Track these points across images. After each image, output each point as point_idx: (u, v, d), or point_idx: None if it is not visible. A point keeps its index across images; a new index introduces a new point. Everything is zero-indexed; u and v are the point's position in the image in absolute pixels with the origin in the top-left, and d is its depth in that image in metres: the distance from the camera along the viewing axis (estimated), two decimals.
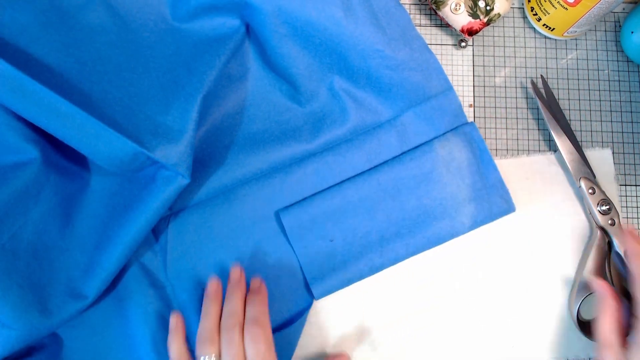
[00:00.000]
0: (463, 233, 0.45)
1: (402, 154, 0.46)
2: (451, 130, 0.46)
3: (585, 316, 0.44)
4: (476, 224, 0.45)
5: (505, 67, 0.50)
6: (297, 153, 0.46)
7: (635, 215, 0.47)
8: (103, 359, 0.42)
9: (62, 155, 0.43)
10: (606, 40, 0.50)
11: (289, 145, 0.46)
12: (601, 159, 0.48)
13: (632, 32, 0.47)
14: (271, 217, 0.45)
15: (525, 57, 0.50)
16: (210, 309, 0.39)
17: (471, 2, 0.46)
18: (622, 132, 0.49)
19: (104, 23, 0.44)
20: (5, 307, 0.37)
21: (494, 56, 0.50)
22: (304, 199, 0.45)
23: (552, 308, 0.45)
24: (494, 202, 0.45)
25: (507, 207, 0.45)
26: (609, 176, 0.47)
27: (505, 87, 0.49)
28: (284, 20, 0.44)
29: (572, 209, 0.47)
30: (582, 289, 0.44)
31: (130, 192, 0.43)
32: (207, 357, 0.36)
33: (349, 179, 0.45)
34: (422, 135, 0.46)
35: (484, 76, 0.49)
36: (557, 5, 0.46)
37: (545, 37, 0.50)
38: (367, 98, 0.47)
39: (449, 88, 0.47)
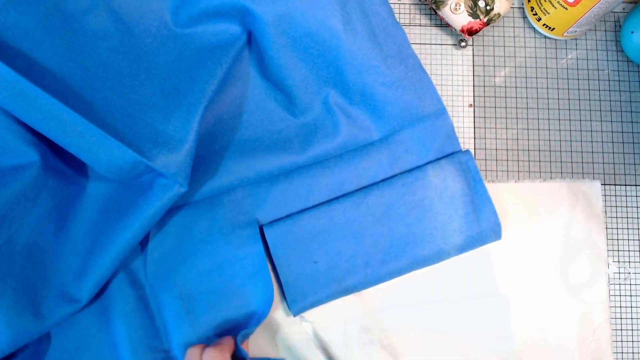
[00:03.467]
0: (447, 259, 0.45)
1: (393, 177, 0.45)
2: (446, 157, 0.45)
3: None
4: (460, 251, 0.44)
5: (505, 67, 0.50)
6: (286, 164, 0.46)
7: (635, 215, 0.47)
8: (83, 357, 0.42)
9: (60, 159, 0.43)
10: (606, 40, 0.50)
11: (278, 156, 0.46)
12: (589, 189, 0.47)
13: (632, 32, 0.47)
14: (252, 225, 0.44)
15: (525, 57, 0.50)
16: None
17: (471, 2, 0.46)
18: (622, 132, 0.49)
19: (106, 28, 0.44)
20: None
21: (494, 56, 0.50)
22: (290, 217, 0.44)
23: (537, 325, 0.45)
24: (484, 234, 0.44)
25: (494, 238, 0.45)
26: (596, 209, 0.47)
27: (505, 87, 0.49)
28: (284, 30, 0.44)
29: (558, 233, 0.47)
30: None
31: (126, 198, 0.42)
32: None
33: (337, 199, 0.45)
34: (413, 155, 0.46)
35: (484, 76, 0.49)
36: (557, 5, 0.46)
37: (545, 37, 0.50)
38: (360, 115, 0.47)
39: (443, 109, 0.46)
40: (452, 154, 0.46)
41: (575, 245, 0.46)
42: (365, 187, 0.45)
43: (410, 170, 0.45)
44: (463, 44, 0.49)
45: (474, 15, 0.46)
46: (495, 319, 0.45)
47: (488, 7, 0.46)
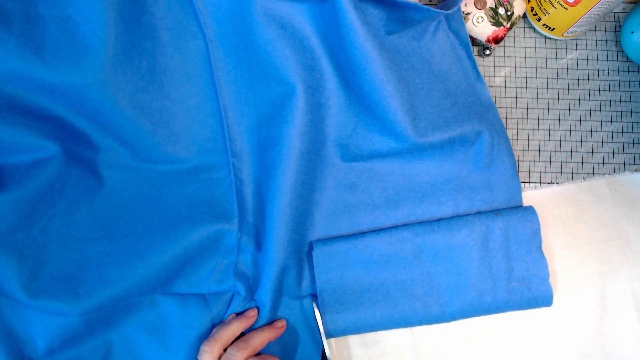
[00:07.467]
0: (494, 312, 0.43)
1: (457, 220, 0.44)
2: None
3: None
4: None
5: (505, 67, 0.50)
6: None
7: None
8: None
9: (83, 148, 0.44)
10: (606, 40, 0.50)
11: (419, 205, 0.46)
12: (630, 182, 0.47)
13: (632, 32, 0.47)
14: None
15: (525, 57, 0.50)
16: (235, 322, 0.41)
17: (492, 11, 0.46)
18: (622, 132, 0.49)
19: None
20: (39, 294, 0.39)
21: (494, 56, 0.50)
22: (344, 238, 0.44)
23: (579, 336, 0.45)
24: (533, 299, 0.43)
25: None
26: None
27: (505, 87, 0.49)
28: None
29: (605, 234, 0.46)
30: None
31: (164, 183, 0.44)
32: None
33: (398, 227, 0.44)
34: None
35: (484, 76, 0.49)
36: (557, 5, 0.46)
37: (545, 37, 0.50)
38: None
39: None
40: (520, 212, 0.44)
41: (624, 240, 0.46)
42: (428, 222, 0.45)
43: (475, 219, 0.44)
44: (487, 52, 0.49)
45: (497, 23, 0.46)
46: (537, 321, 0.45)
47: (509, 13, 0.46)
